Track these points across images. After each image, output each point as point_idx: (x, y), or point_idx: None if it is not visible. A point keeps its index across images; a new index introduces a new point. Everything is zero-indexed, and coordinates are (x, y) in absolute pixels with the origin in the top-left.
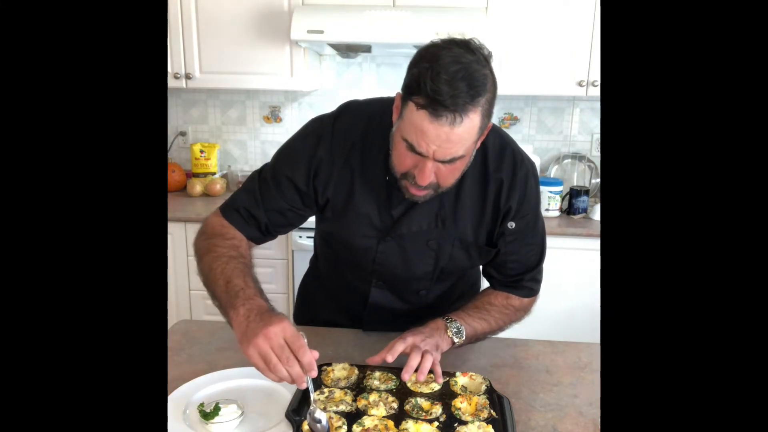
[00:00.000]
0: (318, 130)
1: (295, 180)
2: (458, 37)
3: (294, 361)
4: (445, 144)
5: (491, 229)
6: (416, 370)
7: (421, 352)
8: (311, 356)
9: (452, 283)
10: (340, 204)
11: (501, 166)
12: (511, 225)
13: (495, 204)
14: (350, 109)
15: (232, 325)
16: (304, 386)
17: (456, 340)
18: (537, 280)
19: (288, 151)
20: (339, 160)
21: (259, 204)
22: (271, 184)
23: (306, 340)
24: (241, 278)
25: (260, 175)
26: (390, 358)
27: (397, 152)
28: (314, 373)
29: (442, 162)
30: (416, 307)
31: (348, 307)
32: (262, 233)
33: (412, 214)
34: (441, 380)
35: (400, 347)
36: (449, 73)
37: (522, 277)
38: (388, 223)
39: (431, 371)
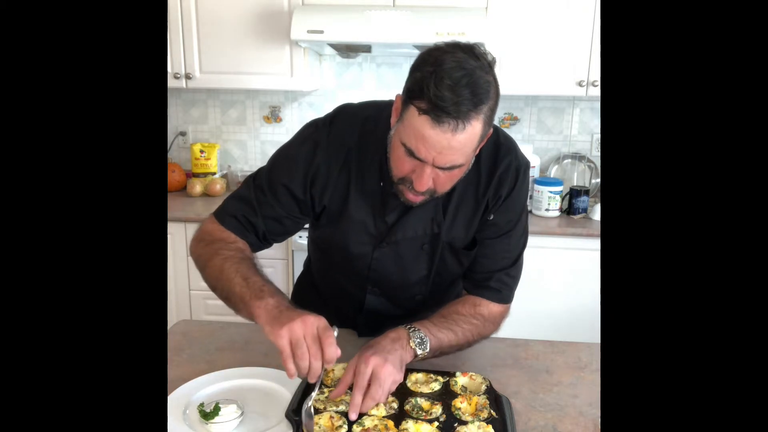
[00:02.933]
0: (314, 135)
1: (292, 188)
2: (462, 40)
3: (320, 355)
4: (445, 151)
5: (477, 228)
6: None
7: (364, 388)
8: (335, 351)
9: (448, 285)
10: (336, 211)
11: (496, 167)
12: (490, 217)
13: (485, 205)
14: (345, 113)
15: (256, 314)
16: (313, 380)
17: (419, 351)
18: (506, 284)
19: (284, 158)
20: (336, 166)
21: (257, 212)
22: (267, 191)
23: (336, 334)
24: (259, 277)
25: (255, 181)
26: (352, 416)
27: (396, 156)
28: (330, 367)
29: (441, 169)
30: (412, 312)
31: (342, 313)
32: (260, 240)
33: (406, 220)
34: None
35: (358, 398)
36: (453, 78)
37: (490, 276)
38: (382, 229)
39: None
